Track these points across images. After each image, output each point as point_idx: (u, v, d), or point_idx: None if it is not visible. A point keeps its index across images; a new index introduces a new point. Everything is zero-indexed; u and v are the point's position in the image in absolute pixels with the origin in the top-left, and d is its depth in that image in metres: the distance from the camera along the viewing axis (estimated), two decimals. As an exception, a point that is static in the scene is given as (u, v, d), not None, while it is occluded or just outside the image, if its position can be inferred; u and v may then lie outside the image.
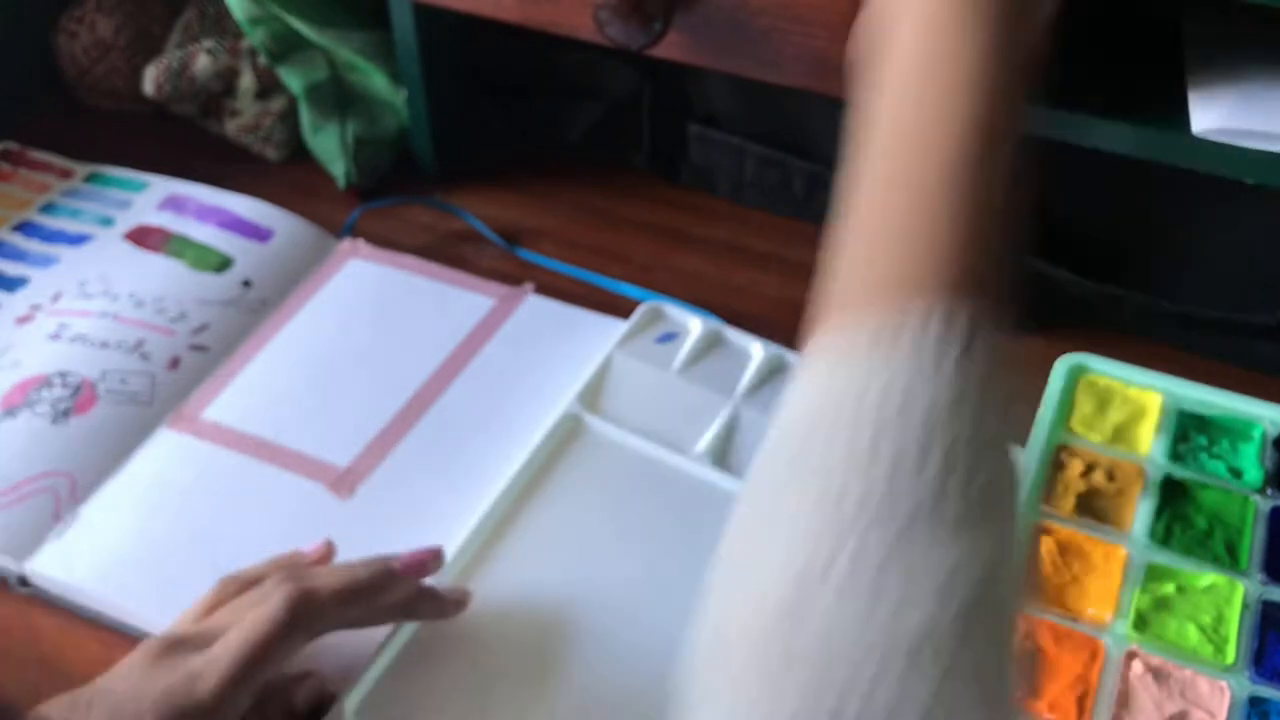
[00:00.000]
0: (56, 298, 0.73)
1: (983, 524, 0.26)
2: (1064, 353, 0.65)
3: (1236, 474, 0.59)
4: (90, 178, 0.83)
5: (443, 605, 0.54)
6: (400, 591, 0.52)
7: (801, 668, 0.25)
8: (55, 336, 0.69)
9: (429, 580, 0.54)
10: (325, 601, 0.49)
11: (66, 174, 0.83)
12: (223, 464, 0.63)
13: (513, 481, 0.60)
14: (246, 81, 0.84)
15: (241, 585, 0.52)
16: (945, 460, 0.26)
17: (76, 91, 0.90)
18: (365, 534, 0.60)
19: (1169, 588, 0.54)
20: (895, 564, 0.25)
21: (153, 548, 0.59)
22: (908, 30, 0.33)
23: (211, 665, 0.46)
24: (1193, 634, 0.53)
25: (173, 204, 0.80)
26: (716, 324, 0.70)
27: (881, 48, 0.34)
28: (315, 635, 0.50)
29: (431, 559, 0.54)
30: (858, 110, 0.34)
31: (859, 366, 0.27)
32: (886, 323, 0.28)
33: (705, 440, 0.63)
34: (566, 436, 0.63)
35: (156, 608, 0.56)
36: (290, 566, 0.53)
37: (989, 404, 0.27)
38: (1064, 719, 0.50)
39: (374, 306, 0.73)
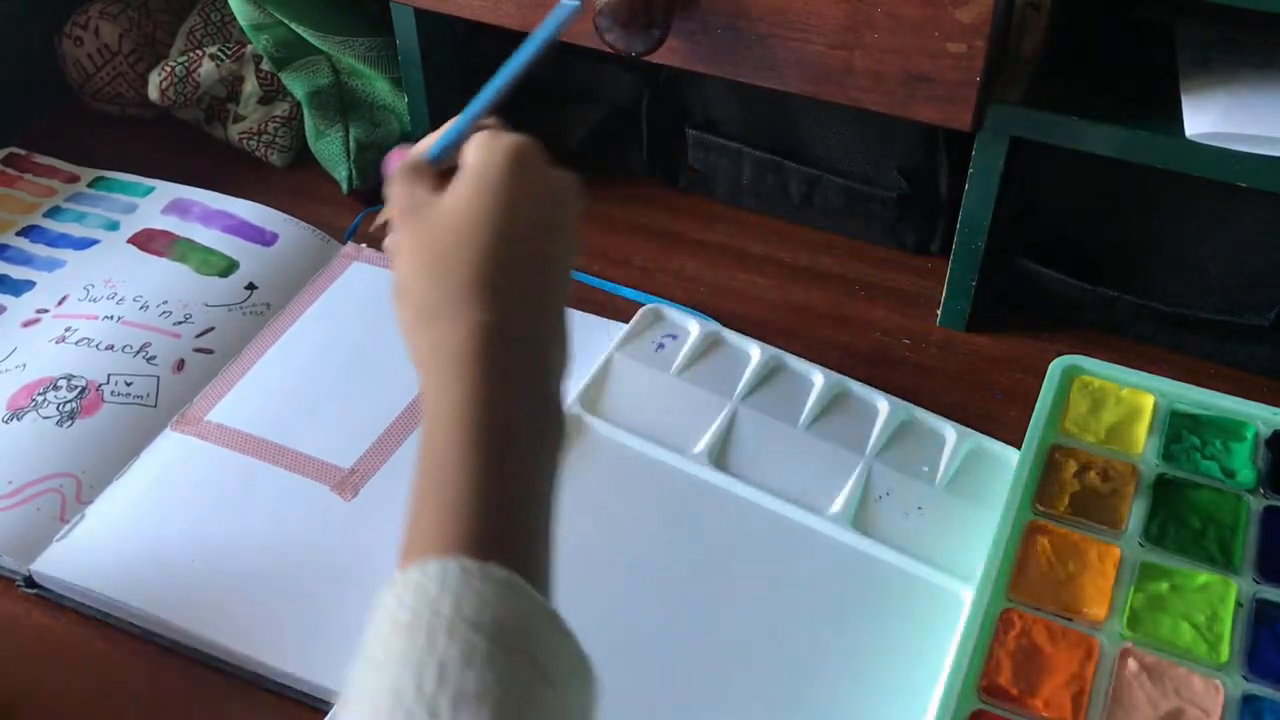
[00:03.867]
0: (62, 301, 0.73)
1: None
2: (1058, 354, 0.66)
3: (1229, 474, 0.60)
4: (95, 182, 0.84)
5: None
6: None
7: None
8: (61, 340, 0.70)
9: None
10: None
11: (72, 179, 0.84)
12: (227, 466, 0.64)
13: (514, 482, 0.61)
14: (250, 87, 0.84)
15: None
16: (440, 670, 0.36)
17: (81, 97, 0.90)
18: (368, 535, 0.60)
19: (1163, 586, 0.55)
20: None
21: (157, 549, 0.60)
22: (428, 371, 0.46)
23: None
24: (1187, 632, 0.53)
25: (178, 208, 0.80)
26: (715, 326, 0.71)
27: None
28: None
29: None
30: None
31: (403, 599, 0.38)
32: (410, 572, 0.38)
33: (704, 440, 0.63)
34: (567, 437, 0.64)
35: (161, 607, 0.56)
36: None
37: (471, 631, 0.37)
38: (1059, 716, 0.50)
39: (377, 310, 0.73)
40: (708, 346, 0.69)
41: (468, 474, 0.42)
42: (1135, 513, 0.58)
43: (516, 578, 0.39)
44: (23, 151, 0.86)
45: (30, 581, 0.59)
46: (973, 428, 0.65)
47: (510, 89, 0.55)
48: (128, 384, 0.67)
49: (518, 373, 0.45)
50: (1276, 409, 0.62)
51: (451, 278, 0.46)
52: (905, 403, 0.66)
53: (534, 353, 0.47)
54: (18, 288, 0.75)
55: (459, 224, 0.47)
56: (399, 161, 0.51)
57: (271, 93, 0.85)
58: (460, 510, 0.40)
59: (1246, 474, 0.60)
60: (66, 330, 0.70)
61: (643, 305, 0.72)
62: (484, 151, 0.49)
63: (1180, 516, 0.58)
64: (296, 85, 0.82)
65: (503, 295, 0.46)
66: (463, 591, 0.37)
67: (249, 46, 0.83)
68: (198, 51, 0.84)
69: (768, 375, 0.68)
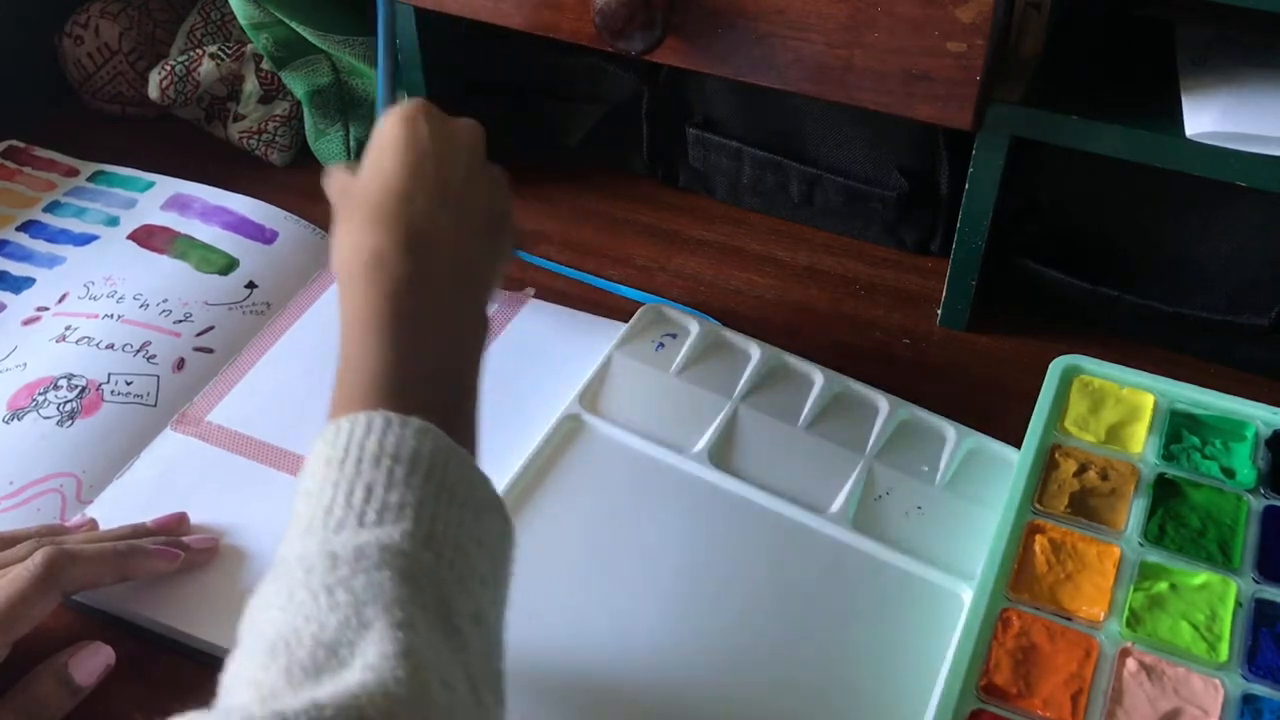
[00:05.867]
0: (63, 299, 0.73)
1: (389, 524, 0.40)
2: (1058, 353, 0.66)
3: (1229, 474, 0.60)
4: (95, 176, 0.84)
5: (194, 556, 0.58)
6: (153, 556, 0.56)
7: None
8: (61, 339, 0.70)
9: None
10: (83, 562, 0.53)
11: (71, 172, 0.84)
12: (227, 467, 0.64)
13: (514, 481, 0.61)
14: (250, 86, 0.84)
15: None
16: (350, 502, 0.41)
17: (81, 96, 0.90)
18: (368, 533, 0.60)
19: (1162, 586, 0.55)
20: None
21: (158, 547, 0.60)
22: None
23: None
24: (1186, 632, 0.53)
25: (178, 203, 0.80)
26: (715, 325, 0.71)
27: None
28: (69, 594, 0.54)
29: (177, 522, 0.60)
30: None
31: (334, 440, 0.43)
32: (340, 421, 0.43)
33: (704, 440, 0.64)
34: (567, 437, 0.64)
35: (161, 608, 0.56)
36: (49, 531, 0.57)
37: (393, 461, 0.42)
38: (1058, 716, 0.50)
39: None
40: (707, 346, 0.69)
41: (381, 351, 0.46)
42: (1135, 512, 0.58)
43: (434, 427, 0.43)
44: (22, 144, 0.86)
45: (30, 580, 0.59)
46: (973, 427, 0.65)
47: (390, 81, 0.66)
48: (128, 383, 0.67)
49: (420, 275, 0.48)
50: (1276, 409, 0.62)
51: (355, 218, 0.50)
52: (905, 402, 0.66)
53: (441, 260, 0.50)
54: (18, 284, 0.75)
55: (362, 179, 0.52)
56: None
57: (272, 92, 0.85)
58: (382, 377, 0.45)
59: (1246, 474, 0.60)
60: (67, 329, 0.70)
61: (642, 304, 0.72)
62: (379, 124, 0.55)
63: (1180, 516, 0.58)
64: (296, 84, 0.81)
65: (401, 218, 0.50)
66: (386, 432, 0.42)
67: (249, 46, 0.83)
68: (198, 50, 0.84)
69: (768, 375, 0.68)
